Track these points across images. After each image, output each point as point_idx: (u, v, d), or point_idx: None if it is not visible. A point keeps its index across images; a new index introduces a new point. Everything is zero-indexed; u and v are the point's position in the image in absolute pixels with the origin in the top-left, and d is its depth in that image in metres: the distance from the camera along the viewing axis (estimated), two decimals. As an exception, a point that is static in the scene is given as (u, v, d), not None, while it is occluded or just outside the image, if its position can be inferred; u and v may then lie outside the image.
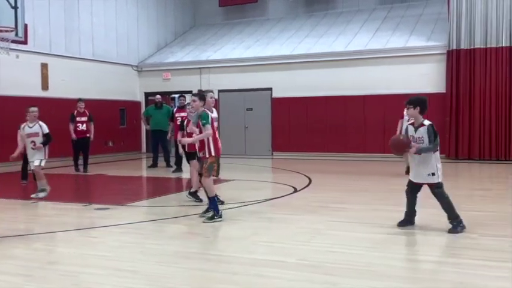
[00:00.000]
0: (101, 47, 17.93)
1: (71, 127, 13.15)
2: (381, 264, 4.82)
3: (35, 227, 7.06)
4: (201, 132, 6.98)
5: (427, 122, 6.36)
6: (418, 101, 6.40)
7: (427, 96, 6.82)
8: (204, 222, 6.85)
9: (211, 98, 7.74)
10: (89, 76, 17.14)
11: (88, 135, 13.39)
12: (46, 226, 6.91)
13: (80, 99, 13.43)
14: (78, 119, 13.22)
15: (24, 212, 7.99)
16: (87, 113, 13.37)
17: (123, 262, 5.08)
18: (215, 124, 7.69)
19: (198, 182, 8.10)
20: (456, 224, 6.14)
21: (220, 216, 6.89)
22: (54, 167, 13.80)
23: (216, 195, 8.08)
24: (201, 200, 8.21)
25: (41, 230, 6.63)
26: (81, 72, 16.83)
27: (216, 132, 7.17)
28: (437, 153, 6.28)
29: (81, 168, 13.36)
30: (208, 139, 6.93)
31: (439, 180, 6.17)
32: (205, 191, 7.26)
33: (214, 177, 7.18)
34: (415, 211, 6.48)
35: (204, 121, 6.88)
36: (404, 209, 6.54)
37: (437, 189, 6.21)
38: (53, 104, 15.29)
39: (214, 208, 6.96)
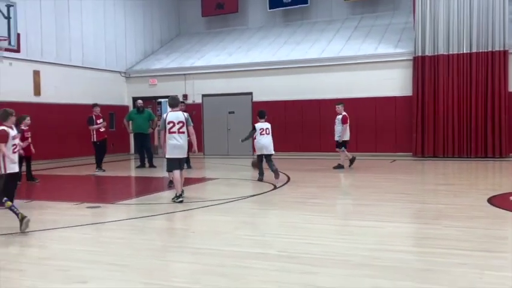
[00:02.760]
0: (90, 55, 17.75)
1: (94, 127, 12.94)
2: (354, 254, 4.86)
3: (29, 224, 6.94)
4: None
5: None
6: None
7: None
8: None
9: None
10: (79, 82, 16.96)
11: (106, 136, 13.28)
12: (39, 224, 6.81)
13: (96, 105, 13.22)
14: (98, 121, 13.01)
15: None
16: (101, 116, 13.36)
17: (114, 257, 5.04)
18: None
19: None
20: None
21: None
22: (57, 167, 13.66)
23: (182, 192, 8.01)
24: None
25: (34, 227, 6.53)
26: (71, 79, 16.65)
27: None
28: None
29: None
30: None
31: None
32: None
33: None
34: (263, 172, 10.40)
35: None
36: (367, 202, 6.61)
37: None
38: (45, 109, 15.12)
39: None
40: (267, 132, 10.54)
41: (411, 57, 15.84)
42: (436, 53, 15.47)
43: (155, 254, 5.16)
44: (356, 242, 5.40)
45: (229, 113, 18.01)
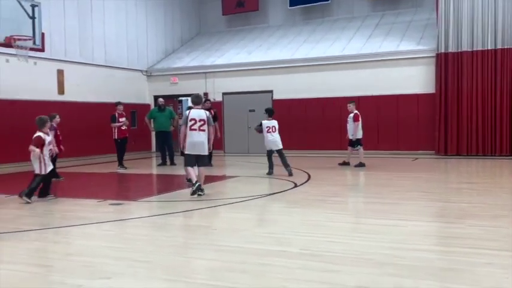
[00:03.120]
0: (112, 54, 17.96)
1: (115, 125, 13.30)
2: (376, 253, 4.83)
3: (54, 221, 7.09)
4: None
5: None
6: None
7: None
8: None
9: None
10: (102, 81, 17.18)
11: (127, 135, 13.61)
12: (64, 220, 6.94)
13: (119, 103, 13.56)
14: (120, 119, 13.32)
15: (43, 208, 8.01)
16: (124, 114, 13.70)
17: (137, 253, 5.10)
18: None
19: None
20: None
21: None
22: (83, 165, 13.88)
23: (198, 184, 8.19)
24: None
25: (59, 224, 6.66)
26: (94, 78, 16.87)
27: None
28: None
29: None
30: None
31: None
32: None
33: None
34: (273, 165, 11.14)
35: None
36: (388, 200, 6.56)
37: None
38: (68, 107, 15.37)
39: None
40: (273, 130, 11.06)
41: (434, 54, 15.63)
42: (459, 50, 15.24)
43: (177, 251, 5.21)
44: (378, 240, 5.36)
45: (250, 111, 18.04)
